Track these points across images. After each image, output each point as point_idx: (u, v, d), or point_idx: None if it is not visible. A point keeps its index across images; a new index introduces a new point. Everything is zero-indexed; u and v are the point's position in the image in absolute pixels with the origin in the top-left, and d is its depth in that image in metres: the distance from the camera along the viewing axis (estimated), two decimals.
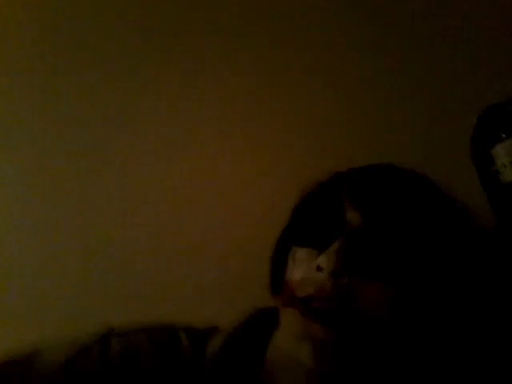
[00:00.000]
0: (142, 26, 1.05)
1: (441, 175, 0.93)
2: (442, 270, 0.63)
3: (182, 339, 0.69)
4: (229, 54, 1.01)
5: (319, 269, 0.59)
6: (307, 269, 0.61)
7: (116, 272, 0.95)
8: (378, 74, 1.00)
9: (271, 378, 0.64)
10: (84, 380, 0.63)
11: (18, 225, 1.01)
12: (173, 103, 1.02)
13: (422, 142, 0.99)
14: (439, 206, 0.67)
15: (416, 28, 0.99)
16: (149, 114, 1.02)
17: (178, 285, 0.95)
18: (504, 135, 0.83)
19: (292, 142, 0.99)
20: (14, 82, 1.04)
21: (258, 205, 0.95)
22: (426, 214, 0.64)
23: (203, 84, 1.01)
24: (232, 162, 0.99)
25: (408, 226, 0.61)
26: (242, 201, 0.97)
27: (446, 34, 0.98)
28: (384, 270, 0.59)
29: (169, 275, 0.96)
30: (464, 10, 0.99)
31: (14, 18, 1.05)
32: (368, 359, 0.60)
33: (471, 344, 0.64)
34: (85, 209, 0.99)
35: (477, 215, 0.84)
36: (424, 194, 0.66)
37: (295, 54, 1.02)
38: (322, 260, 0.59)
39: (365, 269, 0.59)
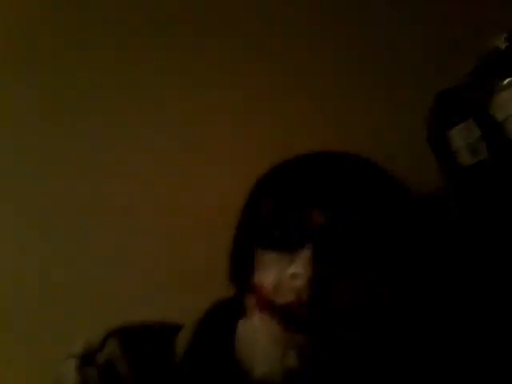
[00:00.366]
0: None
1: (398, 160, 0.96)
2: (404, 255, 0.64)
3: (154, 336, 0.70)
4: None
5: (294, 277, 0.61)
6: (280, 275, 0.63)
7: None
8: (331, 59, 1.00)
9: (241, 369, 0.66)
10: None
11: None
12: None
13: (377, 126, 0.99)
14: (392, 194, 0.67)
15: (371, 11, 0.99)
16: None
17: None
18: (458, 119, 0.84)
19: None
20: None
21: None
22: (380, 204, 0.64)
23: None
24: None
25: (368, 219, 0.63)
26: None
27: (401, 18, 0.98)
28: (353, 266, 0.62)
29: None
30: None
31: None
32: (348, 360, 0.62)
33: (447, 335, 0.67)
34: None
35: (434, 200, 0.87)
36: (377, 185, 0.67)
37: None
38: (297, 268, 0.60)
39: (337, 268, 0.61)
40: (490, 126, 0.79)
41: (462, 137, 0.84)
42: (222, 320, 0.72)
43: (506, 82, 0.76)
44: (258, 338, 0.63)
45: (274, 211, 0.66)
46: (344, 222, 0.62)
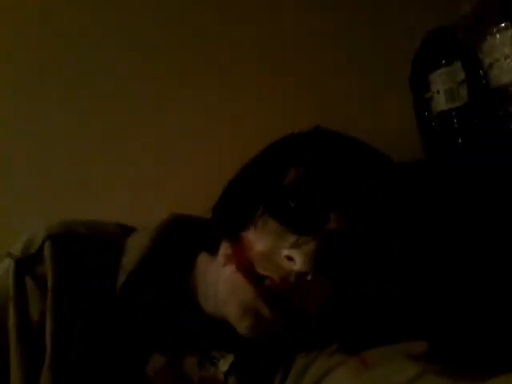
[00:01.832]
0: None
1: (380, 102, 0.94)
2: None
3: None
4: None
5: (290, 259, 0.57)
6: (274, 246, 0.59)
7: None
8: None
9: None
10: None
11: None
12: None
13: (360, 65, 0.96)
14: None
15: None
16: None
17: None
18: (444, 61, 0.81)
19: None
20: None
21: None
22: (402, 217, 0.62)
23: None
24: None
25: (381, 235, 0.60)
26: None
27: None
28: (341, 273, 0.59)
29: None
30: None
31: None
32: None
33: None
34: None
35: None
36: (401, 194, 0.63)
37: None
38: (296, 255, 0.57)
39: (327, 270, 0.58)
40: (476, 70, 0.76)
41: (443, 80, 0.81)
42: (181, 240, 0.68)
43: (497, 27, 0.73)
44: (225, 291, 0.60)
45: (297, 188, 0.61)
46: (362, 234, 0.59)
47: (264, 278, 0.57)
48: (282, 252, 0.57)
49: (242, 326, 0.57)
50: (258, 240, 0.60)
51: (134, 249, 0.66)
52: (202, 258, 0.66)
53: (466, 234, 0.74)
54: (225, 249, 0.62)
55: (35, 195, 0.93)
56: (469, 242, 0.73)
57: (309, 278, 0.57)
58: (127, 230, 0.71)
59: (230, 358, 0.61)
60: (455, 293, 0.70)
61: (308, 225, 0.58)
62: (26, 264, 0.63)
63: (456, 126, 0.79)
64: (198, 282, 0.65)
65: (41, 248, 0.63)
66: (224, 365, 0.61)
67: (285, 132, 0.68)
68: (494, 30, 0.73)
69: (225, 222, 0.65)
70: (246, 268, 0.58)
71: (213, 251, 0.64)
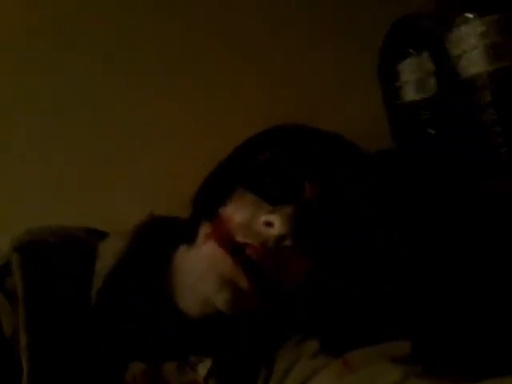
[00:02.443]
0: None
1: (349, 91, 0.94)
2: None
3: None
4: None
5: (268, 224, 0.57)
6: (253, 216, 0.59)
7: None
8: None
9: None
10: None
11: None
12: None
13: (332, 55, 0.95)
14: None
15: None
16: None
17: None
18: (413, 51, 0.81)
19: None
20: None
21: None
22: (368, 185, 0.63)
23: None
24: None
25: (355, 203, 0.61)
26: None
27: None
28: (318, 244, 0.59)
29: None
30: None
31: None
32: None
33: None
34: None
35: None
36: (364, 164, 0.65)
37: None
38: (275, 219, 0.57)
39: (305, 239, 0.58)
40: (444, 61, 0.76)
41: (411, 70, 0.81)
42: (158, 240, 0.67)
43: (465, 16, 0.73)
44: (199, 267, 0.59)
45: (272, 161, 0.63)
46: (334, 201, 0.60)
47: (243, 248, 0.57)
48: (260, 219, 0.58)
49: (221, 299, 0.57)
50: (235, 212, 0.60)
51: (109, 253, 0.65)
52: (179, 252, 0.65)
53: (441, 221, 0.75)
54: (204, 229, 0.62)
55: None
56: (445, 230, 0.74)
57: (288, 243, 0.57)
58: (97, 235, 0.69)
59: (209, 362, 0.61)
60: (442, 288, 0.71)
61: (284, 195, 0.60)
62: None
63: (426, 116, 0.79)
64: (174, 278, 0.63)
65: (8, 261, 0.61)
66: (203, 369, 0.61)
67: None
68: (459, 20, 0.72)
69: (204, 204, 0.65)
70: (226, 240, 0.58)
71: (191, 240, 0.63)
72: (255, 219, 0.59)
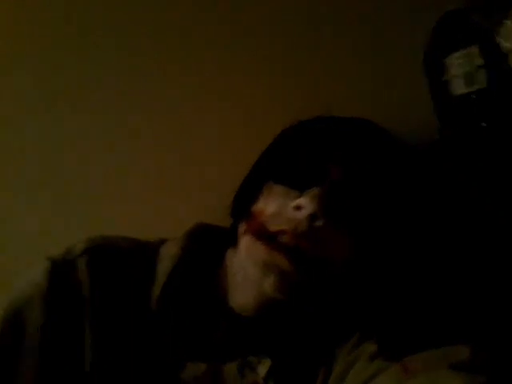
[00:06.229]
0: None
1: (392, 85, 0.92)
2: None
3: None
4: None
5: (298, 208, 0.59)
6: (282, 205, 0.61)
7: None
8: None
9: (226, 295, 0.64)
10: None
11: None
12: None
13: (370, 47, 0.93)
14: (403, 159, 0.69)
15: None
16: None
17: None
18: (461, 44, 0.80)
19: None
20: None
21: None
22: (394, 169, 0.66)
23: None
24: None
25: (381, 182, 0.63)
26: None
27: None
28: (353, 222, 0.61)
29: None
30: None
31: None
32: (324, 297, 0.62)
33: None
34: None
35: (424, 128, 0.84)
36: (392, 150, 0.68)
37: None
38: (304, 201, 0.59)
39: (338, 218, 0.60)
40: (494, 55, 0.75)
41: (460, 64, 0.80)
42: (206, 246, 0.70)
43: None
44: (242, 263, 0.62)
45: (293, 150, 0.66)
46: (360, 182, 0.62)
47: (276, 236, 0.59)
48: (290, 205, 0.60)
49: (267, 285, 0.58)
50: (266, 205, 0.63)
51: (166, 259, 0.68)
52: (228, 255, 0.67)
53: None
54: (241, 228, 0.65)
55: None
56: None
57: (320, 223, 0.59)
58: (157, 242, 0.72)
59: (268, 363, 0.62)
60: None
61: (310, 180, 0.62)
62: (62, 268, 0.64)
63: (476, 110, 0.78)
64: (225, 280, 0.66)
65: (78, 256, 0.65)
66: (263, 369, 0.62)
67: None
68: (511, 13, 0.71)
69: (239, 205, 0.69)
70: (260, 231, 0.61)
71: (234, 243, 0.66)
72: (285, 207, 0.61)
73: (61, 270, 0.63)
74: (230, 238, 0.67)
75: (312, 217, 0.59)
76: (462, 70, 0.80)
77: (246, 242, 0.62)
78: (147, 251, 0.69)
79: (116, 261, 0.66)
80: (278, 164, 0.66)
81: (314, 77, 0.93)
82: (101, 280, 0.64)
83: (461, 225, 0.79)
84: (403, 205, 0.65)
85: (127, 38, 0.94)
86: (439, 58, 0.82)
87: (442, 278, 0.64)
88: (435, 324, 0.61)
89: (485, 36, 0.75)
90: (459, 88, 0.81)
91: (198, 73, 0.94)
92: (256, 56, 0.94)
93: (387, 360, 0.57)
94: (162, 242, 0.72)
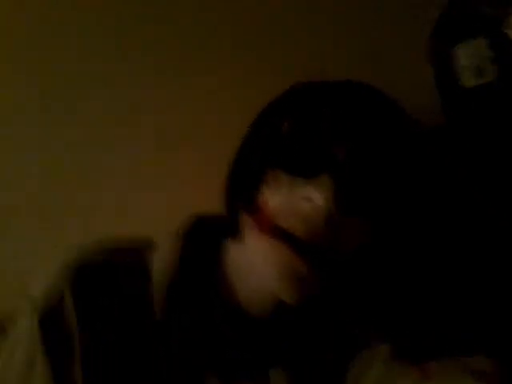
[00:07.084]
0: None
1: (395, 73, 0.91)
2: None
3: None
4: None
5: (308, 200, 0.56)
6: (290, 197, 0.57)
7: None
8: None
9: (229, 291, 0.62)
10: None
11: None
12: None
13: (375, 37, 0.92)
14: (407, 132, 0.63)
15: None
16: None
17: None
18: (468, 35, 0.78)
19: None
20: None
21: None
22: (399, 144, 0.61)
23: None
24: None
25: (386, 160, 0.59)
26: None
27: None
28: (364, 205, 0.57)
29: None
30: None
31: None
32: (345, 296, 0.60)
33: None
34: None
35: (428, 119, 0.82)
36: (396, 124, 0.62)
37: None
38: (314, 192, 0.55)
39: (352, 206, 0.56)
40: (503, 46, 0.73)
41: (468, 55, 0.79)
42: (205, 241, 0.65)
43: None
44: (253, 261, 0.59)
45: (295, 133, 0.60)
46: (365, 162, 0.57)
47: (289, 232, 0.55)
48: (298, 196, 0.56)
49: (283, 289, 0.56)
50: (272, 196, 0.58)
51: (163, 269, 0.64)
52: (230, 250, 0.64)
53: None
54: (245, 220, 0.61)
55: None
56: None
57: (335, 217, 0.55)
58: (146, 244, 0.68)
59: (283, 375, 0.60)
60: None
61: (315, 166, 0.57)
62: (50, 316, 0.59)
63: (485, 102, 0.77)
64: (230, 277, 0.63)
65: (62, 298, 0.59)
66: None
67: None
68: None
69: (236, 193, 0.64)
70: (270, 228, 0.57)
71: (234, 234, 0.62)
72: (293, 199, 0.57)
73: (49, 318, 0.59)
74: (229, 229, 0.64)
75: (326, 212, 0.55)
76: (470, 61, 0.78)
77: (257, 242, 0.58)
78: (130, 260, 0.64)
79: (99, 281, 0.61)
80: (278, 149, 0.60)
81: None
82: (90, 314, 0.59)
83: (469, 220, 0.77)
84: (414, 181, 0.61)
85: (127, 38, 0.93)
86: (445, 47, 0.81)
87: (460, 278, 0.62)
88: (452, 328, 0.60)
89: (492, 26, 0.74)
90: (468, 80, 0.79)
91: (197, 73, 0.93)
92: (256, 56, 0.93)
93: (404, 363, 0.55)
94: (150, 244, 0.67)
